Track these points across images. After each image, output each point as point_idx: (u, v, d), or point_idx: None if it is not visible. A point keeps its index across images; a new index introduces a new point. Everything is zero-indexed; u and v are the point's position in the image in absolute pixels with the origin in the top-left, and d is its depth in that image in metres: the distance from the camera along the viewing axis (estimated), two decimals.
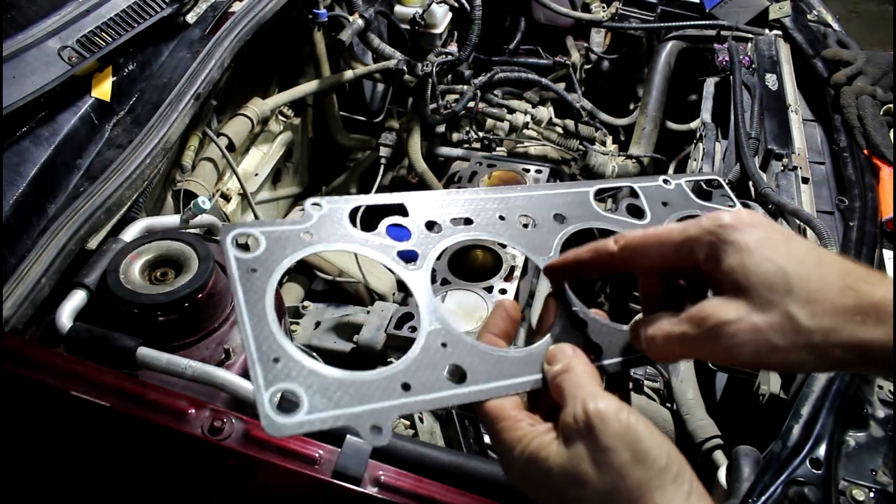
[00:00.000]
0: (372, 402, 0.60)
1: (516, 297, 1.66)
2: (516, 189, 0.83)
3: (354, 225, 0.71)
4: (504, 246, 1.69)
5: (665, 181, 0.93)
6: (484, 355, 0.67)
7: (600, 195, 0.87)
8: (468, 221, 0.78)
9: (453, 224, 0.77)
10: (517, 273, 1.64)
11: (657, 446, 0.57)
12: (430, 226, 0.75)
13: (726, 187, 0.98)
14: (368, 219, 0.81)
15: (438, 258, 1.72)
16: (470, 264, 1.70)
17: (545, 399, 0.66)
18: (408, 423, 1.35)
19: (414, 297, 0.70)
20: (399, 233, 0.77)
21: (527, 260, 1.72)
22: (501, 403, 0.65)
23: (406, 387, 0.62)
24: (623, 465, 0.56)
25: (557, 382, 0.64)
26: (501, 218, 0.79)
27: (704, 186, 1.26)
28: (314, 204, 0.70)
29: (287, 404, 0.57)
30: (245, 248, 0.65)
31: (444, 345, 0.66)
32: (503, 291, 1.58)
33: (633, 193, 0.91)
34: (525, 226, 0.80)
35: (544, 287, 1.78)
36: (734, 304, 0.58)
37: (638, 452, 0.56)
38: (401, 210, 0.76)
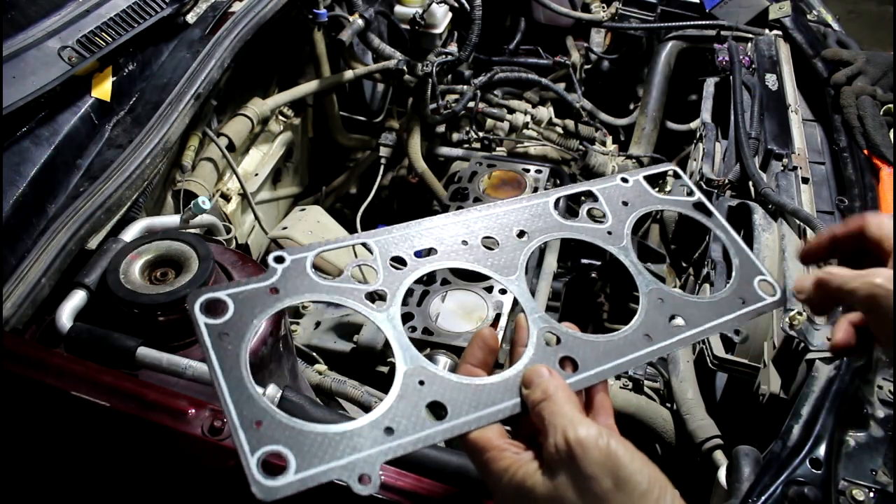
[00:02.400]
0: (357, 452, 0.61)
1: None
2: (476, 210, 0.83)
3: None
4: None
5: (623, 179, 0.93)
6: (462, 387, 0.68)
7: (570, 201, 0.88)
8: (432, 251, 0.78)
9: (417, 256, 0.77)
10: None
11: (638, 472, 0.58)
12: (396, 262, 0.76)
13: (684, 177, 0.97)
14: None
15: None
16: None
17: (527, 423, 0.67)
18: None
19: (386, 336, 0.71)
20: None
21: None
22: (485, 433, 0.66)
23: (389, 431, 0.63)
24: (605, 491, 0.57)
25: (538, 411, 0.65)
26: (464, 243, 0.80)
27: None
28: (277, 258, 0.70)
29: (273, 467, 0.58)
30: (214, 310, 0.65)
31: (421, 382, 0.67)
32: (503, 291, 1.58)
33: (593, 197, 0.91)
34: (488, 247, 0.81)
35: (544, 286, 1.78)
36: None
37: (619, 479, 0.58)
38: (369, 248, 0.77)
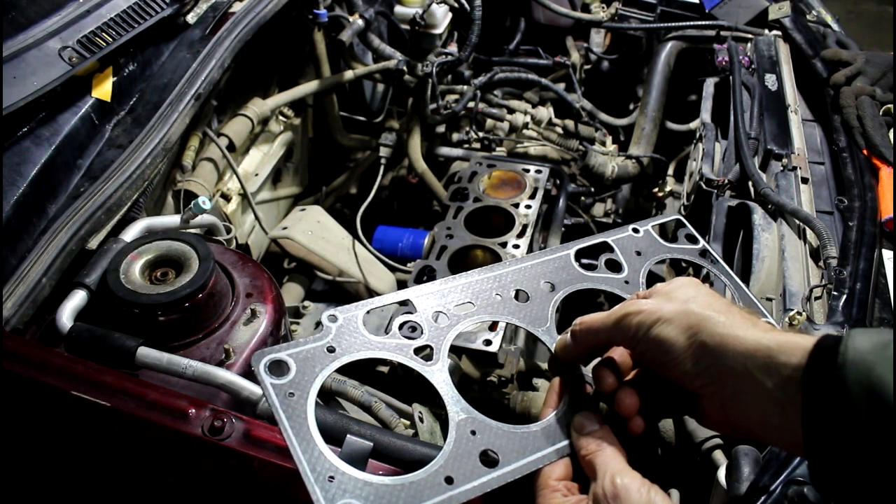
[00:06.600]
0: (422, 502, 0.65)
1: None
2: (505, 265, 0.90)
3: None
4: (503, 246, 1.70)
5: (634, 230, 1.01)
6: (510, 435, 0.74)
7: (581, 255, 0.96)
8: (469, 305, 0.84)
9: (457, 310, 0.83)
10: None
11: None
12: (437, 317, 0.82)
13: (688, 226, 1.03)
14: None
15: (438, 258, 1.71)
16: (470, 263, 1.70)
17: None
18: (408, 423, 1.35)
19: (437, 390, 0.76)
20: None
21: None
22: (547, 472, 0.74)
23: (449, 480, 0.68)
24: None
25: (589, 459, 0.73)
26: (498, 296, 0.86)
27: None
28: (330, 316, 0.76)
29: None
30: (277, 370, 0.69)
31: (473, 433, 0.73)
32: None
33: (609, 247, 0.97)
34: (520, 301, 0.88)
35: None
36: (648, 300, 0.75)
37: None
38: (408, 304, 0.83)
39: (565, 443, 0.76)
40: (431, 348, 0.79)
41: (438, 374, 0.77)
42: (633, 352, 0.79)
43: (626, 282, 0.95)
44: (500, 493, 0.72)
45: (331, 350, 0.73)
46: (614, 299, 0.91)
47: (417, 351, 0.78)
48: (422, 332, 0.80)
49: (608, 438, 0.75)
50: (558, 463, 0.75)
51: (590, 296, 2.12)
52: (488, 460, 0.71)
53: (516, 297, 0.87)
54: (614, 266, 0.96)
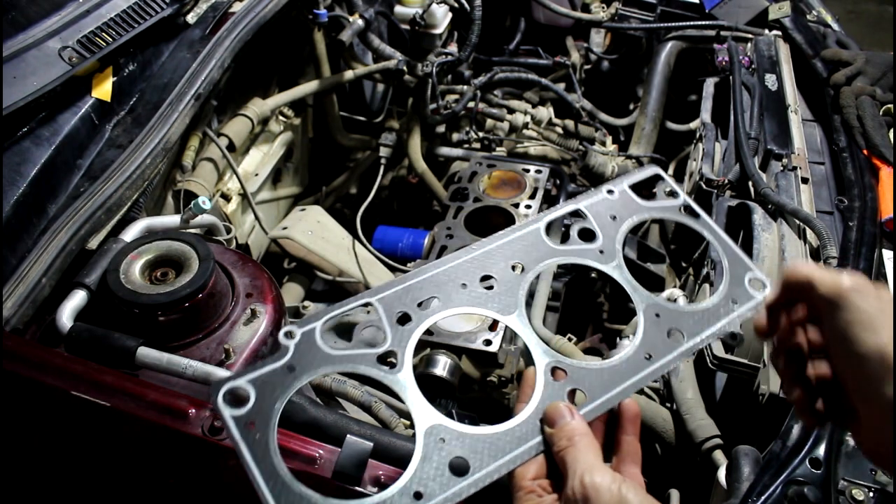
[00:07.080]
0: None
1: None
2: (471, 250, 0.83)
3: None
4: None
5: (609, 191, 0.92)
6: (480, 438, 0.70)
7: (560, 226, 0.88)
8: (434, 299, 0.79)
9: (420, 308, 0.78)
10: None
11: None
12: (401, 319, 0.77)
13: (667, 178, 0.96)
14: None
15: (438, 258, 1.72)
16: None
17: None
18: (408, 423, 1.35)
19: (402, 398, 0.72)
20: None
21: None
22: (521, 472, 0.72)
23: (418, 495, 0.65)
24: None
25: (561, 455, 0.71)
26: (463, 286, 0.81)
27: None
28: (287, 333, 0.71)
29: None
30: (237, 398, 0.66)
31: (442, 440, 0.69)
32: None
33: (581, 214, 0.90)
34: (487, 287, 0.82)
35: (544, 286, 1.78)
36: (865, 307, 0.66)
37: None
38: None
39: (538, 439, 0.72)
40: (395, 353, 0.75)
41: (402, 382, 0.72)
42: (824, 336, 0.70)
43: (601, 251, 0.88)
44: (484, 496, 0.69)
45: (291, 369, 0.69)
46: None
47: (381, 358, 0.74)
48: (385, 337, 0.75)
49: (580, 429, 0.71)
50: (532, 461, 0.72)
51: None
52: (459, 468, 0.68)
53: (483, 283, 0.82)
54: (587, 235, 0.89)
